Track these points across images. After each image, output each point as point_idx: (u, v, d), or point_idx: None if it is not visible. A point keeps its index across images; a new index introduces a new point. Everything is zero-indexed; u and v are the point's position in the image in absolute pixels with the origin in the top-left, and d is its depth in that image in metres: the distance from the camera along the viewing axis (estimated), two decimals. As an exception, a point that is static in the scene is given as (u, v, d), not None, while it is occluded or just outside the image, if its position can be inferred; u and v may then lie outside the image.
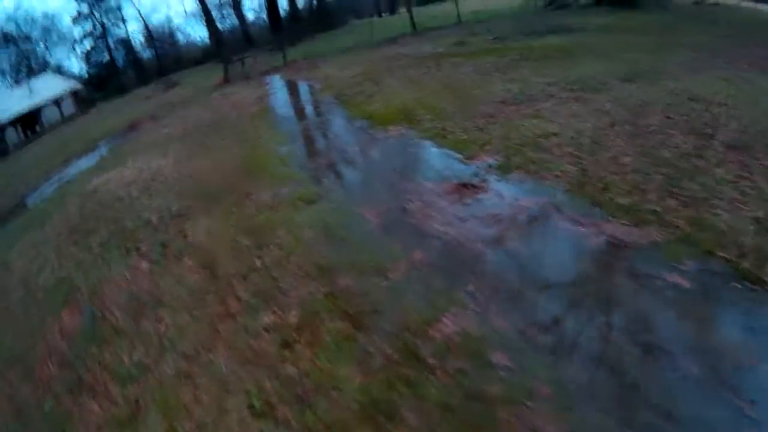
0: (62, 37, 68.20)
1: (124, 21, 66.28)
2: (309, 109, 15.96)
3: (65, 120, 53.14)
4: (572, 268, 5.20)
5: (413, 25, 29.88)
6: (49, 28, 67.86)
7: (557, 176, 7.07)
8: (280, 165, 10.51)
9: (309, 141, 12.22)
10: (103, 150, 21.04)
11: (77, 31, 65.32)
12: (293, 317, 5.27)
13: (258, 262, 6.61)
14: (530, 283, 5.04)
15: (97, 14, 64.72)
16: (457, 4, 30.37)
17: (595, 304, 4.60)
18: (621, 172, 6.73)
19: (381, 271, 5.77)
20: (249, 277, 6.32)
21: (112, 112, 39.16)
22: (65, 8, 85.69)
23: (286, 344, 4.89)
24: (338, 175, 9.38)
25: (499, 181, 7.44)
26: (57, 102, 55.58)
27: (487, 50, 18.11)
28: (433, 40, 24.19)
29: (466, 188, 7.42)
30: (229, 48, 49.61)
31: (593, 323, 4.39)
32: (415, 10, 35.93)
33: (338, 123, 13.12)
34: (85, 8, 63.97)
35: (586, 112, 9.40)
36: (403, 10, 66.96)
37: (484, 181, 7.52)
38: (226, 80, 29.80)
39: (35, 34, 64.61)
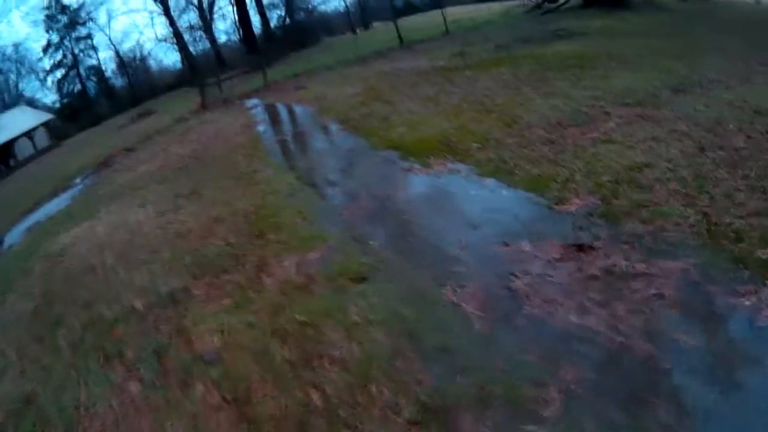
0: (33, 69, 65.59)
1: (95, 49, 63.41)
2: (312, 138, 13.52)
3: (39, 153, 50.59)
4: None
5: (400, 38, 27.56)
6: (20, 60, 65.25)
7: (678, 225, 5.22)
8: (297, 217, 8.10)
9: (327, 181, 9.67)
10: (76, 190, 18.75)
11: (48, 62, 62.58)
12: None
13: (315, 396, 4.17)
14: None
15: (67, 43, 62.05)
16: (444, 15, 28.08)
17: None
18: (744, 215, 5.12)
19: (524, 406, 3.56)
20: (308, 427, 3.89)
21: (86, 144, 36.43)
22: (35, 37, 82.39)
23: None
24: (389, 233, 6.95)
25: (614, 237, 5.26)
26: (29, 135, 53.08)
27: (495, 61, 16.10)
28: (426, 53, 22.07)
29: (580, 251, 5.21)
30: (203, 71, 47.08)
31: None
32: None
33: (358, 155, 10.74)
34: (55, 38, 61.24)
35: (663, 134, 7.53)
36: (377, 24, 65.54)
37: (597, 238, 5.32)
38: (204, 106, 27.24)
39: (5, 66, 61.92)
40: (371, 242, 6.62)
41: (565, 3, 26.72)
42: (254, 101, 23.76)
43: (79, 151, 33.25)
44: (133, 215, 10.77)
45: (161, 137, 22.04)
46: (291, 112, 18.11)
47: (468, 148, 8.95)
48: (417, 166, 8.94)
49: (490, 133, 9.31)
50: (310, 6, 58.85)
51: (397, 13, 72.58)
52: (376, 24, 65.45)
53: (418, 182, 8.37)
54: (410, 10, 72.03)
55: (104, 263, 8.62)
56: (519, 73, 13.49)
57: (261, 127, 16.76)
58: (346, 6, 68.58)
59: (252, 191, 9.86)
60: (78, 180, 21.10)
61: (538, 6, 28.27)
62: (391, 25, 53.71)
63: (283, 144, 13.56)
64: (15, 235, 14.68)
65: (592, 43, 15.83)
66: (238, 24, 60.12)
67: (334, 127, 13.53)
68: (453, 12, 34.15)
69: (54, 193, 20.35)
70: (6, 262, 12.05)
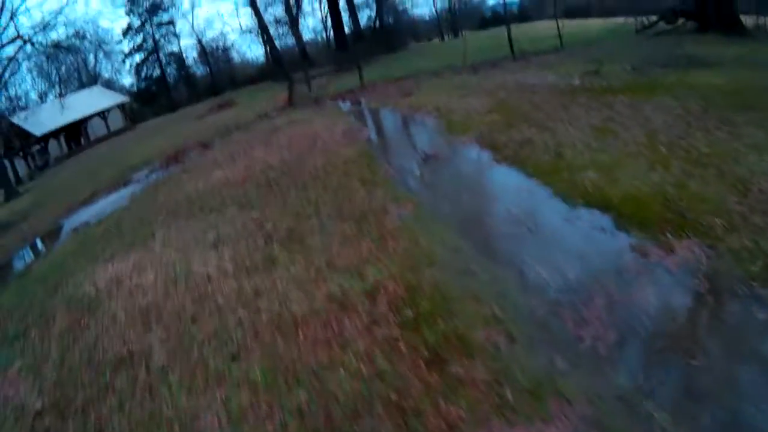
0: (113, 51, 63.84)
1: (176, 36, 61.29)
2: (454, 166, 9.50)
3: (111, 134, 48.84)
4: None
5: (512, 48, 23.57)
6: (101, 41, 63.44)
7: None
8: (492, 329, 4.21)
9: (511, 254, 5.69)
10: (137, 187, 15.71)
11: (127, 45, 60.66)
12: None
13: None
14: None
15: (149, 28, 59.93)
16: (559, 29, 23.96)
17: None
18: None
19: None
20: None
21: (158, 131, 34.06)
22: (112, 18, 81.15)
23: None
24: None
25: None
26: (103, 115, 51.28)
27: (643, 86, 12.04)
28: (547, 67, 17.92)
29: None
30: (289, 67, 44.28)
31: None
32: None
33: (543, 208, 6.72)
34: (136, 22, 59.19)
35: None
36: (467, 33, 61.70)
37: None
38: (291, 103, 23.82)
39: (86, 45, 60.22)
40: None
41: (680, 25, 22.98)
42: (350, 104, 20.21)
43: (151, 138, 30.60)
44: (201, 261, 7.05)
45: (242, 135, 18.62)
46: (405, 122, 14.27)
47: (709, 223, 5.00)
48: (653, 247, 5.00)
49: (724, 202, 5.36)
50: (400, 8, 55.21)
51: (485, 23, 69.62)
52: (465, 33, 62.22)
53: (668, 281, 4.53)
54: (497, 21, 68.77)
55: (146, 358, 4.94)
56: (689, 107, 9.55)
57: (369, 137, 13.05)
58: (436, 11, 65.35)
59: (390, 252, 5.93)
60: (142, 173, 18.18)
61: (648, 26, 24.66)
62: (481, 34, 50.11)
63: (410, 167, 9.63)
64: (66, 230, 13.30)
65: (738, 75, 11.99)
66: (325, 21, 57.26)
67: (479, 152, 9.58)
68: (550, 26, 30.28)
69: (114, 185, 17.64)
70: (24, 284, 9.00)
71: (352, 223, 7.06)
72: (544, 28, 30.79)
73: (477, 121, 11.66)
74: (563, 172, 7.52)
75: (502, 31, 35.73)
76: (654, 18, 25.12)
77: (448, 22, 64.47)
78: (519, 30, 31.41)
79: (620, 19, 27.38)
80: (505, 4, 31.98)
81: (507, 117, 11.38)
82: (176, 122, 36.67)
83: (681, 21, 22.97)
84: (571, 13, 49.53)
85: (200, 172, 13.64)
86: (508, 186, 7.73)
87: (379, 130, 13.89)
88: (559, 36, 23.84)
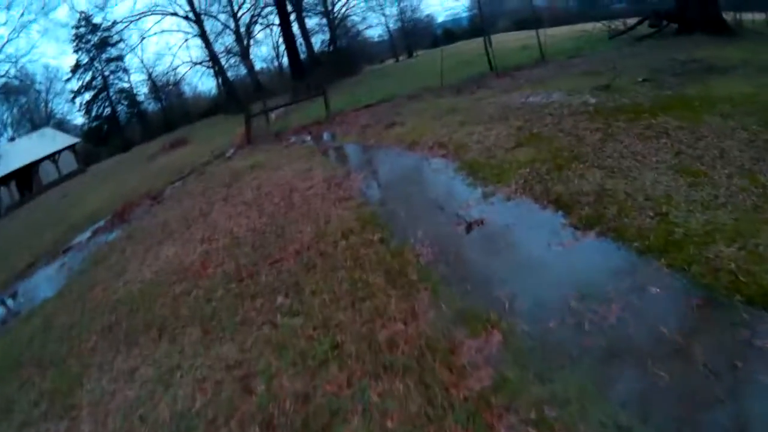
0: (63, 90, 59.77)
1: (126, 71, 57.38)
2: (510, 243, 6.02)
3: (62, 178, 44.77)
4: None
5: (490, 63, 20.65)
6: (51, 80, 59.37)
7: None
8: None
9: None
10: (75, 259, 12.19)
11: (76, 82, 56.51)
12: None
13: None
14: None
15: (97, 65, 55.91)
16: (539, 40, 21.20)
17: None
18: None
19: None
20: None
21: (109, 176, 30.18)
22: (65, 57, 76.30)
23: None
24: None
25: None
26: (54, 158, 47.19)
27: (677, 103, 9.44)
28: (542, 83, 15.04)
29: None
30: (242, 98, 40.93)
31: None
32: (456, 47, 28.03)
33: (700, 326, 3.76)
34: (84, 58, 55.14)
35: None
36: (420, 52, 59.07)
37: None
38: (249, 140, 20.35)
39: (37, 86, 56.04)
40: None
41: (663, 28, 20.87)
42: (320, 139, 16.90)
43: (100, 185, 26.91)
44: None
45: (197, 183, 15.14)
46: (405, 165, 10.68)
47: None
48: None
49: None
50: (354, 31, 52.24)
51: (436, 42, 67.18)
52: (419, 53, 59.64)
53: None
54: (449, 38, 66.46)
55: None
56: (749, 128, 7.22)
57: (363, 189, 9.60)
58: (389, 31, 62.59)
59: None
60: (85, 235, 14.64)
61: (625, 31, 22.63)
62: (435, 53, 47.64)
63: (451, 245, 6.20)
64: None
65: (763, 82, 9.82)
66: (278, 48, 53.90)
67: (543, 214, 6.34)
68: (513, 38, 27.48)
69: (54, 252, 14.18)
70: None
71: (406, 380, 3.77)
72: (505, 41, 27.94)
73: (508, 160, 8.49)
74: (686, 246, 4.67)
75: (464, 46, 33.00)
76: (629, 22, 23.12)
77: (402, 42, 62.22)
78: (475, 45, 28.81)
79: (587, 26, 25.29)
80: (482, 14, 28.52)
81: (545, 153, 8.30)
82: (127, 164, 32.94)
83: (664, 23, 20.76)
84: (522, 26, 47.39)
85: (147, 244, 10.17)
86: (628, 279, 4.54)
87: (374, 177, 10.38)
88: (540, 47, 21.15)
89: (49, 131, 49.10)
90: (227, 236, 8.72)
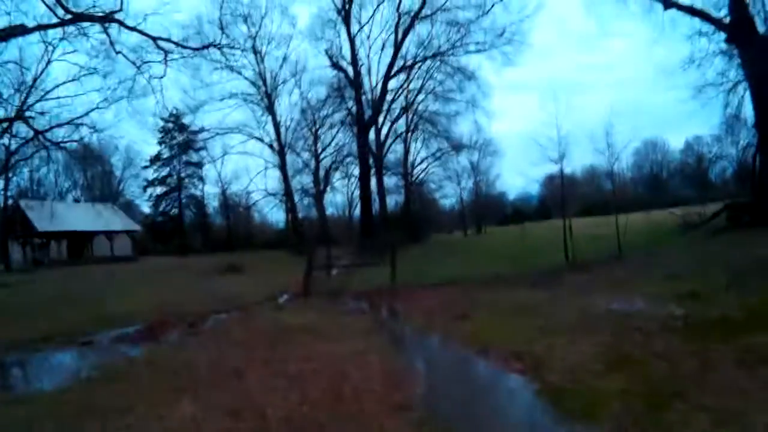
0: (138, 175, 61.73)
1: (202, 180, 58.96)
2: None
3: (113, 258, 45.00)
4: None
5: (566, 254, 19.56)
6: (130, 161, 61.49)
7: None
8: None
9: None
10: (82, 366, 10.64)
11: (152, 173, 58.20)
12: None
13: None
14: None
15: (176, 164, 57.67)
16: (618, 231, 20.27)
17: None
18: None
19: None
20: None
21: (157, 276, 29.84)
22: (147, 145, 79.49)
23: None
24: None
25: None
26: (110, 236, 47.62)
27: None
28: (620, 284, 14.32)
29: None
30: (308, 241, 40.74)
31: None
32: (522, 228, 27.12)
33: None
34: (166, 153, 57.10)
35: None
36: (489, 229, 58.52)
37: None
38: (307, 291, 19.35)
39: (114, 161, 58.11)
40: None
41: (743, 221, 20.75)
42: (381, 314, 15.79)
43: (144, 283, 26.37)
44: None
45: (241, 327, 14.02)
46: (474, 374, 9.27)
47: None
48: None
49: None
50: (429, 197, 52.38)
51: (505, 219, 66.39)
52: (490, 229, 59.04)
53: None
54: (518, 217, 65.78)
55: None
56: None
57: (426, 397, 7.93)
58: (462, 204, 62.61)
59: None
60: (107, 337, 13.81)
61: (702, 223, 22.67)
62: (505, 232, 46.71)
63: None
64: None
65: None
66: (351, 199, 54.64)
67: None
68: (577, 224, 26.63)
69: (70, 341, 13.40)
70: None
71: None
72: (576, 227, 26.89)
73: (596, 389, 7.00)
74: None
75: (536, 229, 32.21)
76: (703, 212, 23.28)
77: (471, 216, 62.02)
78: (547, 228, 27.77)
79: (659, 213, 24.44)
80: (563, 202, 27.82)
81: (639, 385, 6.91)
82: (178, 273, 32.36)
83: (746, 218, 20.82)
84: (587, 212, 46.55)
85: (165, 386, 8.79)
86: None
87: (439, 383, 8.85)
88: (618, 241, 20.48)
89: (113, 209, 50.20)
90: (258, 419, 7.28)
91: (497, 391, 8.27)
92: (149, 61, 24.01)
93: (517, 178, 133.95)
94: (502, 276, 18.98)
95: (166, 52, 23.58)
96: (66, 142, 28.30)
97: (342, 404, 7.70)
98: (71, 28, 23.29)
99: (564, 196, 29.83)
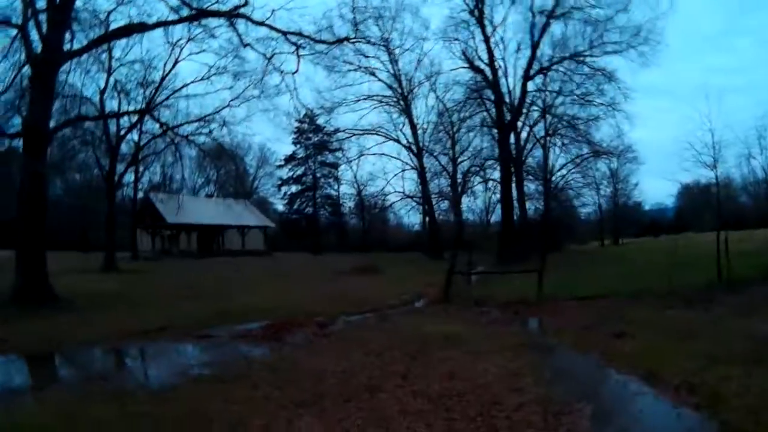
0: (272, 174, 63.19)
1: (337, 180, 59.31)
2: None
3: (244, 252, 46.04)
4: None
5: (720, 273, 16.50)
6: (264, 160, 63.11)
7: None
8: None
9: None
10: (197, 363, 9.67)
11: (287, 172, 59.28)
12: None
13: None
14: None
15: (311, 164, 58.38)
16: None
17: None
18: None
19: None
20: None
21: (289, 273, 29.71)
22: (281, 144, 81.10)
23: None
24: None
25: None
26: (243, 231, 48.63)
27: None
28: None
29: None
30: (445, 246, 39.25)
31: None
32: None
33: None
34: (300, 153, 57.94)
35: None
36: (626, 240, 54.53)
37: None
38: (446, 298, 17.58)
39: (248, 160, 59.74)
40: None
41: None
42: (530, 329, 13.68)
43: (275, 280, 26.30)
44: None
45: (376, 333, 12.60)
46: (643, 407, 6.98)
47: None
48: None
49: None
50: (568, 205, 49.15)
51: (642, 230, 61.80)
52: (627, 240, 55.11)
53: None
54: (654, 229, 60.94)
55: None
56: None
57: None
58: (600, 213, 58.42)
59: None
60: (226, 332, 12.80)
61: None
62: (643, 243, 42.77)
63: None
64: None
65: None
66: (488, 204, 52.42)
67: None
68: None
69: (182, 332, 12.80)
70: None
71: None
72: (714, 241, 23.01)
73: None
74: None
75: (677, 242, 28.80)
76: None
77: (608, 225, 58.51)
78: (687, 241, 24.42)
79: None
80: (720, 212, 24.38)
81: None
82: (312, 269, 32.07)
83: None
84: (725, 225, 41.58)
85: (285, 399, 7.38)
86: None
87: (607, 417, 6.56)
88: None
89: (246, 204, 51.34)
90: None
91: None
92: (280, 52, 23.43)
93: (652, 188, 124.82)
94: (651, 290, 16.26)
95: (298, 46, 22.65)
96: (195, 134, 28.62)
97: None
98: (198, 30, 23.22)
99: (719, 206, 26.53)
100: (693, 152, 20.71)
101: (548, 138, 45.33)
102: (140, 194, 45.46)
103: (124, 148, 34.86)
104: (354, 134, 48.05)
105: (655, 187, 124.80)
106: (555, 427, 6.22)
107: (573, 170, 46.34)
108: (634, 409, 6.92)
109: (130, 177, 40.37)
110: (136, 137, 34.01)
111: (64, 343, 11.56)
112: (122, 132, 32.69)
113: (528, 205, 45.99)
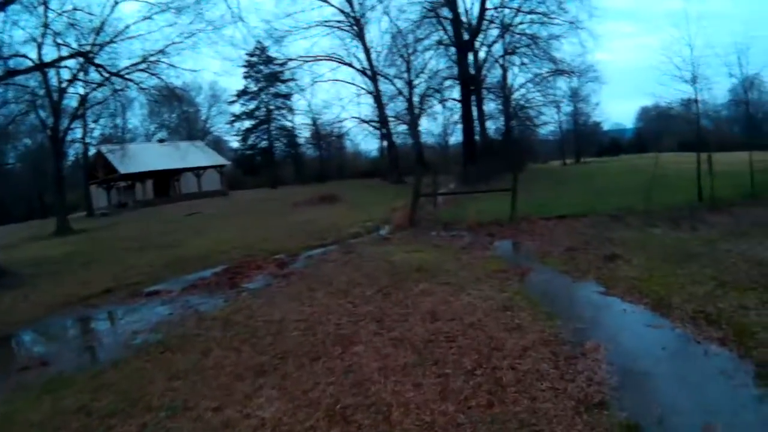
0: (224, 111, 61.17)
1: (291, 111, 57.17)
2: None
3: (201, 194, 44.41)
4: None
5: (700, 192, 16.21)
6: (215, 98, 61.06)
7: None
8: None
9: None
10: (140, 328, 8.32)
11: (239, 108, 57.10)
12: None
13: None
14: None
15: (264, 96, 56.09)
16: (752, 168, 16.63)
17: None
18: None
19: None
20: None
21: (245, 211, 28.52)
22: (230, 78, 78.39)
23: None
24: None
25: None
26: (198, 173, 46.87)
27: None
28: None
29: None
30: (400, 168, 38.16)
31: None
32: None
33: None
34: (252, 86, 55.54)
35: None
36: (588, 159, 54.54)
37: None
38: (412, 222, 16.49)
39: (199, 99, 57.42)
40: None
41: None
42: (512, 252, 12.69)
43: (231, 219, 25.18)
44: None
45: (342, 267, 11.34)
46: (661, 342, 5.98)
47: None
48: None
49: None
50: (528, 124, 48.12)
51: (602, 150, 62.25)
52: (589, 159, 55.19)
53: None
54: (614, 149, 61.56)
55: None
56: None
57: (619, 386, 4.85)
58: (561, 132, 58.16)
59: None
60: (175, 285, 11.48)
61: None
62: (606, 162, 42.65)
63: None
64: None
65: None
66: (446, 126, 50.99)
67: None
68: (679, 160, 22.70)
69: (126, 291, 11.42)
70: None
71: None
72: (678, 162, 22.23)
73: None
74: None
75: (642, 161, 28.50)
76: None
77: (569, 146, 58.24)
78: (644, 162, 23.97)
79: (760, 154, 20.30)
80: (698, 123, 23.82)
81: None
82: (268, 205, 30.69)
83: None
84: (685, 147, 41.85)
85: (240, 361, 6.18)
86: None
87: (631, 364, 5.27)
88: (752, 179, 16.50)
89: (200, 145, 49.43)
90: (379, 418, 4.46)
91: (700, 370, 5.32)
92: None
93: (611, 110, 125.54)
94: (631, 209, 15.37)
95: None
96: (141, 78, 26.28)
97: (506, 400, 4.75)
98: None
99: (699, 124, 26.09)
100: (671, 67, 20.27)
101: (506, 57, 43.63)
102: (94, 150, 43.02)
103: (72, 104, 32.21)
104: (306, 61, 45.41)
105: (614, 109, 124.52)
106: (572, 376, 5.15)
107: (533, 90, 44.96)
108: (656, 348, 5.88)
109: (80, 133, 37.92)
110: (82, 91, 31.26)
111: (2, 323, 10.11)
112: (63, 84, 30.02)
113: (488, 124, 44.80)
